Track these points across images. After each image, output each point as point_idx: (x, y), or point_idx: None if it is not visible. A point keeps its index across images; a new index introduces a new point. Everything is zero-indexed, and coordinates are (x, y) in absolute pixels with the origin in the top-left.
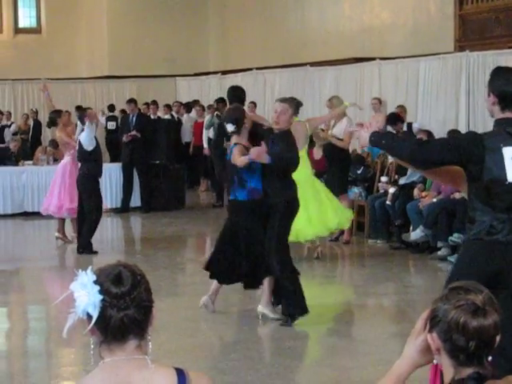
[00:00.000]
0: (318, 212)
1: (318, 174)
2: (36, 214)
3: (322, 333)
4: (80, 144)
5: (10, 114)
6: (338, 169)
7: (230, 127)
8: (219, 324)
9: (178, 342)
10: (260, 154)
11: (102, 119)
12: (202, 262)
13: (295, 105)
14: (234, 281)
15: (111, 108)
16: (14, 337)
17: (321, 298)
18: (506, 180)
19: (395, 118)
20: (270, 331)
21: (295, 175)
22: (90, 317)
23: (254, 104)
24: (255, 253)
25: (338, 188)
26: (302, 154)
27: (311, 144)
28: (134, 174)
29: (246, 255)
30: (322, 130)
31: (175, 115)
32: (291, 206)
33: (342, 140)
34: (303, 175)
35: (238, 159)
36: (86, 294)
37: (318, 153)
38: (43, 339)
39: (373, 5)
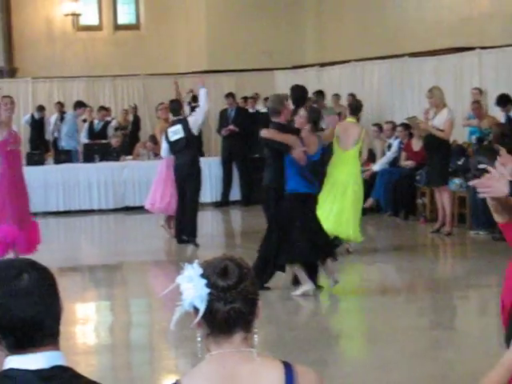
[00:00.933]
0: (337, 213)
1: (417, 166)
2: (137, 209)
3: (425, 325)
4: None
5: (110, 110)
6: (438, 160)
7: None
8: (321, 316)
9: (279, 335)
10: None
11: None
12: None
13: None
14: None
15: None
16: (119, 330)
17: (422, 291)
18: None
19: (506, 100)
20: (372, 323)
21: (338, 173)
22: (196, 310)
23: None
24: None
25: (439, 179)
26: (353, 152)
27: (410, 136)
28: (233, 168)
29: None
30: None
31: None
32: None
33: (442, 131)
34: (345, 175)
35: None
36: (192, 287)
37: (417, 144)
38: (147, 332)
39: None
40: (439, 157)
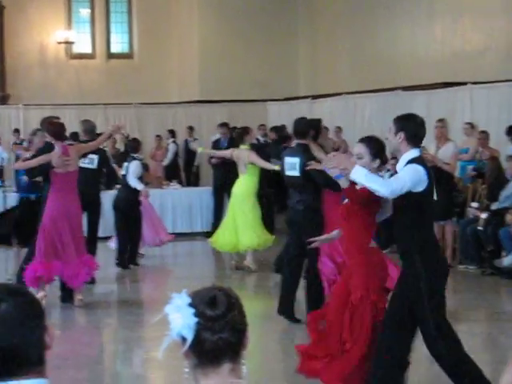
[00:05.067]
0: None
1: None
2: None
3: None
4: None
5: None
6: (443, 194)
7: None
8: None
9: (269, 366)
10: None
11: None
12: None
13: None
14: None
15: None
16: (107, 359)
17: None
18: None
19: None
20: None
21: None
22: (184, 340)
23: (339, 128)
24: None
25: (444, 213)
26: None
27: None
28: (225, 198)
29: None
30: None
31: (261, 139)
32: None
33: (448, 164)
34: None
35: None
36: (180, 317)
37: None
38: (137, 362)
39: (465, 29)
40: (445, 190)
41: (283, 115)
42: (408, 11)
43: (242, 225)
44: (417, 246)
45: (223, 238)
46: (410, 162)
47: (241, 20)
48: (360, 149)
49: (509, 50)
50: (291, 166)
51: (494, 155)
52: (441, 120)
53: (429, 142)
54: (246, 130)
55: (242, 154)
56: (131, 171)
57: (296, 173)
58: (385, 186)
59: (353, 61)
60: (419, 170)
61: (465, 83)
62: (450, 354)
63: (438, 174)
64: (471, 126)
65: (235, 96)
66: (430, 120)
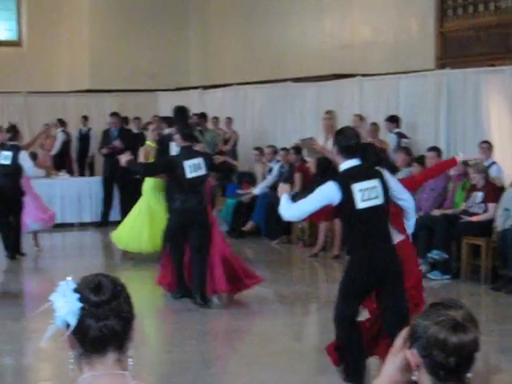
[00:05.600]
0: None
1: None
2: None
3: (304, 349)
4: None
5: None
6: None
7: None
8: (197, 339)
9: (155, 358)
10: None
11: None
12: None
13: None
14: None
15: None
16: None
17: (302, 313)
18: None
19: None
20: (248, 346)
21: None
22: (68, 326)
23: (229, 119)
24: None
25: None
26: None
27: (303, 161)
28: (115, 188)
29: None
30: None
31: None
32: None
33: None
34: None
35: None
36: (65, 303)
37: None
38: (20, 355)
39: (354, 22)
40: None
41: (174, 105)
42: (298, 3)
43: (149, 223)
44: (348, 247)
45: (128, 236)
46: (332, 176)
47: (132, 10)
48: None
49: (397, 43)
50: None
51: (383, 147)
52: (329, 112)
53: (317, 133)
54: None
55: (148, 151)
56: (27, 162)
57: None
58: (284, 211)
59: (244, 52)
60: (327, 188)
61: (354, 75)
62: (337, 335)
63: (327, 165)
64: (360, 117)
65: (126, 86)
66: (319, 111)
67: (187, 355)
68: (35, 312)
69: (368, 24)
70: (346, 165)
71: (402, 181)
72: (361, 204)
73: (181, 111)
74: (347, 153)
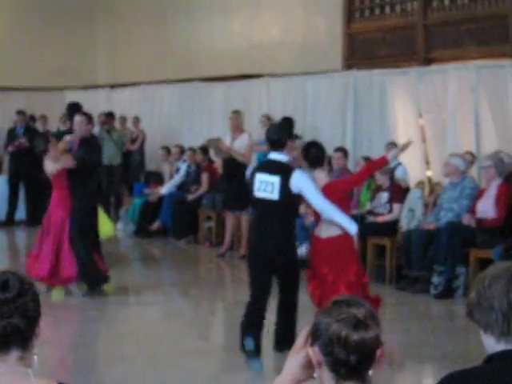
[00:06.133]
0: None
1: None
2: None
3: (210, 349)
4: None
5: None
6: (236, 184)
7: None
8: (102, 339)
9: (61, 356)
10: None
11: None
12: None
13: None
14: None
15: None
16: None
17: (206, 314)
18: None
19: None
20: (154, 347)
21: None
22: None
23: (137, 119)
24: None
25: (238, 204)
26: None
27: (210, 161)
28: (20, 187)
29: None
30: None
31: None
32: None
33: (243, 155)
34: None
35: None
36: None
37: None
38: None
39: (262, 22)
40: (239, 181)
41: (82, 103)
42: (207, 3)
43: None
44: None
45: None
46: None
47: (38, 6)
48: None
49: (305, 43)
50: None
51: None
52: (235, 111)
53: (224, 133)
54: None
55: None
56: None
57: None
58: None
59: (152, 51)
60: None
61: (262, 75)
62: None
63: (232, 165)
64: (268, 117)
65: (32, 83)
66: (228, 111)
67: (92, 354)
68: None
69: (276, 24)
70: (270, 156)
71: (334, 183)
72: (257, 193)
73: (73, 107)
74: (270, 146)
